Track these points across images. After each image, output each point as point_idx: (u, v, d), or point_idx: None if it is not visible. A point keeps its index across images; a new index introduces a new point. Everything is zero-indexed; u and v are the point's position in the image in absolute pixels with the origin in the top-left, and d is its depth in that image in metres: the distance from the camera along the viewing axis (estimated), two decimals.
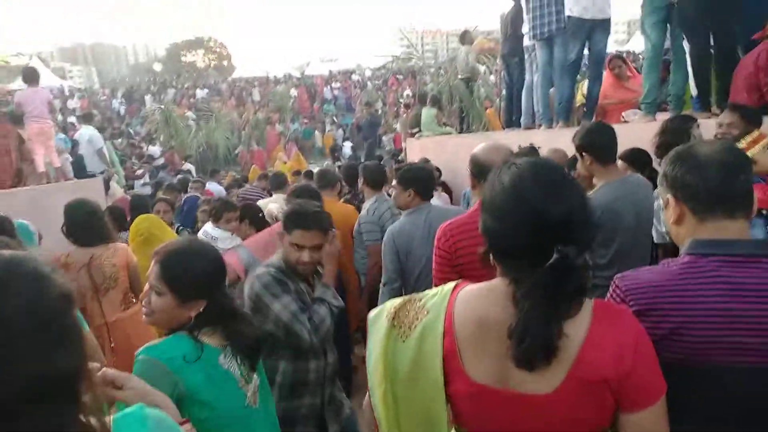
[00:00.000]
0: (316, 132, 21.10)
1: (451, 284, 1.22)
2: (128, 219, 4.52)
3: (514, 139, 5.14)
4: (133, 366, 1.64)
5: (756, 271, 1.17)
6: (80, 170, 8.27)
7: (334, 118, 22.59)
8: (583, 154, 2.58)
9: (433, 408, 1.17)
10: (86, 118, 9.86)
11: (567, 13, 4.94)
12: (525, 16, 5.95)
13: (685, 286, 1.20)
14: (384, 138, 14.49)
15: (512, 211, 1.07)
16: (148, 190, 9.80)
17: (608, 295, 1.30)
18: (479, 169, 2.15)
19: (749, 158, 1.34)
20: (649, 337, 1.09)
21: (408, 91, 14.81)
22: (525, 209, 1.05)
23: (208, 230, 3.96)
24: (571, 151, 2.91)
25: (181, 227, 5.02)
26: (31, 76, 6.64)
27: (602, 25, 4.95)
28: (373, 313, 1.29)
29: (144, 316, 1.64)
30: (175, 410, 1.27)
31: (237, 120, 19.95)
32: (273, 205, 4.53)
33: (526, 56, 5.96)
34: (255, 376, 1.69)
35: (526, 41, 5.85)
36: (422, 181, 3.02)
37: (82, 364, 0.89)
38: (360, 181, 4.21)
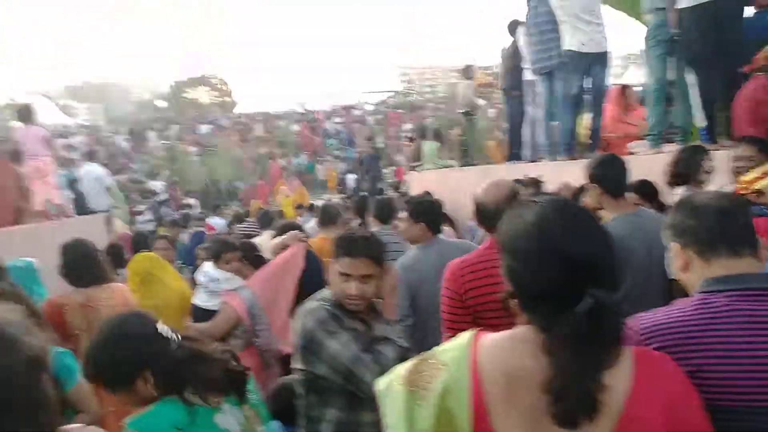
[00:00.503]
0: (318, 165, 21.24)
1: (467, 335, 1.11)
2: (129, 256, 4.47)
3: (517, 172, 5.11)
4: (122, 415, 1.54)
5: None
6: (81, 207, 8.27)
7: (336, 152, 22.77)
8: (593, 185, 2.52)
9: None
10: (90, 156, 9.93)
11: (566, 47, 4.97)
12: (523, 51, 6.03)
13: (703, 323, 1.16)
14: (386, 171, 14.55)
15: (537, 252, 1.01)
16: (151, 226, 9.77)
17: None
18: (484, 214, 2.11)
19: (747, 201, 1.37)
20: None
21: (409, 125, 14.95)
22: (551, 250, 1.00)
23: (209, 271, 3.88)
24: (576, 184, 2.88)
25: (182, 264, 4.95)
26: (25, 115, 6.71)
27: (601, 59, 4.99)
28: (382, 383, 1.18)
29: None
30: None
31: (239, 155, 20.09)
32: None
33: (527, 90, 5.99)
34: (258, 423, 1.57)
35: (527, 75, 5.89)
36: (433, 214, 2.96)
37: (40, 429, 0.82)
38: (369, 214, 4.22)
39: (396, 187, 12.19)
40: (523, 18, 6.08)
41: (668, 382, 1.02)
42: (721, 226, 1.24)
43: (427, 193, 6.19)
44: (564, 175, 4.53)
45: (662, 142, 4.54)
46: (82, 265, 3.07)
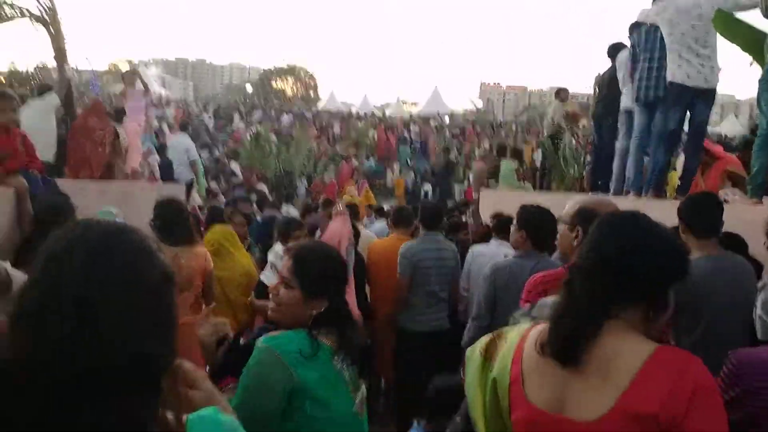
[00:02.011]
0: (389, 171, 21.36)
1: (530, 323, 1.38)
2: (203, 228, 4.68)
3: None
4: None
5: None
6: (166, 175, 8.71)
7: (408, 161, 22.82)
8: (681, 221, 2.49)
9: None
10: (183, 127, 10.42)
11: (669, 78, 4.74)
12: (619, 77, 5.80)
13: None
14: (456, 186, 14.44)
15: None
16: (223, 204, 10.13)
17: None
18: (590, 222, 2.02)
19: None
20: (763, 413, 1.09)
21: (486, 144, 14.79)
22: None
23: (277, 250, 4.03)
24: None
25: (253, 244, 5.11)
26: (130, 79, 7.18)
27: (705, 95, 4.72)
28: (469, 349, 1.45)
29: (270, 312, 1.71)
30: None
31: (315, 149, 20.51)
32: None
33: (622, 120, 5.77)
34: (363, 386, 1.69)
35: (624, 104, 5.67)
36: (537, 228, 2.88)
37: (172, 353, 0.85)
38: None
39: (464, 204, 12.07)
40: (624, 40, 5.90)
41: (681, 377, 1.08)
42: None
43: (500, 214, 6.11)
44: (649, 212, 4.34)
45: (763, 193, 4.26)
46: (174, 221, 3.24)
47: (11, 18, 6.38)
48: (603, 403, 1.11)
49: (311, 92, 57.15)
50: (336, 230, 3.45)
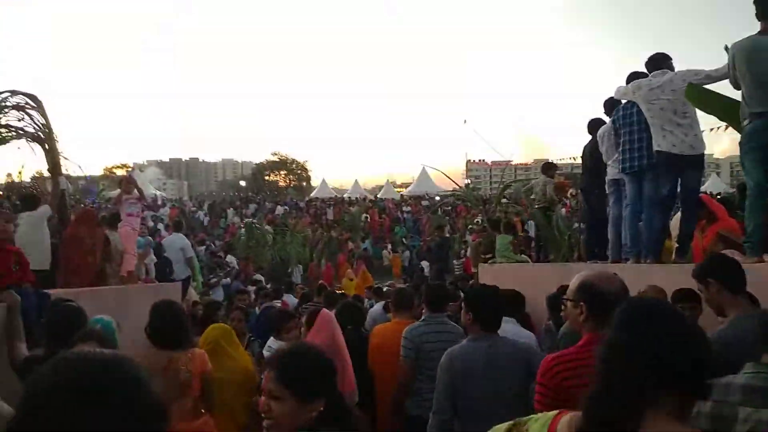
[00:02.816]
0: (385, 252, 21.43)
1: (555, 411, 1.31)
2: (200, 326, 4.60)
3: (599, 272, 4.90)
4: None
5: None
6: (162, 274, 8.67)
7: (403, 240, 22.96)
8: (710, 281, 2.49)
9: None
10: (176, 226, 10.51)
11: (656, 147, 4.86)
12: (602, 151, 5.97)
13: None
14: (455, 262, 14.41)
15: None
16: (221, 298, 10.04)
17: None
18: (595, 298, 1.99)
19: None
20: None
21: (479, 218, 14.95)
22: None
23: (271, 345, 3.98)
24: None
25: (252, 338, 4.99)
26: (126, 186, 7.40)
27: (694, 162, 4.81)
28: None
29: (265, 430, 1.59)
30: None
31: (310, 236, 20.68)
32: None
33: (612, 189, 5.87)
34: None
35: (611, 175, 5.80)
36: (482, 309, 2.85)
37: None
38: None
39: (463, 278, 12.00)
40: (599, 115, 6.13)
41: None
42: None
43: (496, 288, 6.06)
44: (651, 278, 4.31)
45: (762, 251, 4.25)
46: (170, 326, 3.17)
47: (8, 140, 6.62)
48: None
49: (303, 183, 58.38)
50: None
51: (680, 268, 4.55)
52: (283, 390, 1.55)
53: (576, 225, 8.96)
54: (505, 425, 1.37)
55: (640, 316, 1.26)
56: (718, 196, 16.87)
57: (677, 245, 5.08)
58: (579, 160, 7.05)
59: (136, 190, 7.57)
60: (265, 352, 3.87)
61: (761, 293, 2.90)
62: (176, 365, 3.10)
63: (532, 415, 1.37)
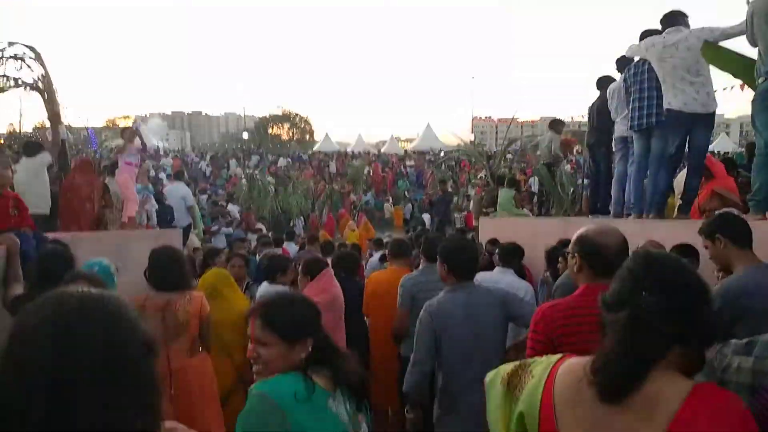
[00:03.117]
0: (386, 204, 21.47)
1: (558, 355, 1.37)
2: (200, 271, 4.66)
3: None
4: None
5: None
6: (163, 221, 8.72)
7: (406, 193, 22.96)
8: (718, 236, 2.52)
9: None
10: (177, 176, 10.50)
11: (666, 106, 4.76)
12: (611, 108, 5.86)
13: None
14: (456, 215, 14.45)
15: (623, 276, 1.32)
16: (223, 245, 10.13)
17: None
18: (589, 250, 1.98)
19: None
20: None
21: (482, 173, 14.86)
22: (629, 274, 1.30)
23: (264, 289, 4.04)
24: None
25: (251, 283, 5.03)
26: (128, 135, 7.38)
27: (704, 120, 4.69)
28: (488, 377, 1.47)
29: (256, 375, 1.63)
30: None
31: (312, 188, 20.69)
32: None
33: (619, 146, 5.80)
34: (364, 425, 1.64)
35: (619, 132, 5.71)
36: (456, 260, 2.85)
37: (156, 422, 0.80)
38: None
39: (463, 231, 12.05)
40: (610, 72, 6.00)
41: (718, 419, 1.09)
42: None
43: (495, 240, 6.08)
44: (652, 233, 4.29)
45: (766, 209, 4.21)
46: (168, 269, 3.18)
47: (6, 89, 6.59)
48: None
49: (307, 136, 57.93)
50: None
51: (682, 224, 4.53)
52: (270, 335, 1.57)
53: (580, 181, 8.91)
54: (510, 365, 1.43)
55: (658, 272, 1.26)
56: (726, 155, 16.70)
57: (680, 202, 5.04)
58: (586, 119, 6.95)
59: (138, 140, 7.51)
60: (258, 296, 3.93)
61: (762, 251, 2.88)
62: (174, 306, 3.13)
63: (536, 358, 1.42)
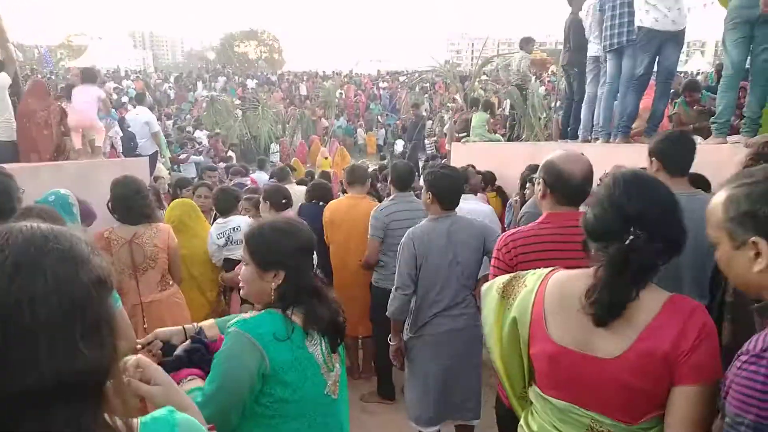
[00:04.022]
0: (359, 130, 21.13)
1: (550, 268, 1.52)
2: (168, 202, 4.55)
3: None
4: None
5: None
6: (128, 149, 8.43)
7: (379, 118, 22.58)
8: (653, 159, 2.49)
9: (523, 362, 1.51)
10: (139, 99, 10.03)
11: (637, 23, 4.69)
12: (585, 26, 5.73)
13: None
14: (426, 141, 14.31)
15: (602, 206, 1.39)
16: (192, 174, 9.92)
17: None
18: (555, 177, 1.99)
19: None
20: None
21: (457, 96, 14.61)
22: (611, 204, 1.37)
23: (217, 224, 4.01)
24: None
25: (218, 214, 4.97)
26: (88, 76, 6.77)
27: (674, 39, 4.67)
28: (485, 287, 1.64)
29: (240, 290, 1.69)
30: (201, 416, 1.19)
31: (282, 112, 20.13)
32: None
33: (591, 66, 5.72)
34: (337, 365, 1.67)
35: (592, 51, 5.61)
36: (442, 189, 2.88)
37: (112, 359, 0.79)
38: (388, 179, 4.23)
39: (434, 157, 12.02)
40: None
41: (689, 320, 1.26)
42: None
43: (472, 167, 6.10)
44: (618, 158, 4.34)
45: (729, 132, 4.28)
46: (133, 201, 3.11)
47: None
48: (623, 344, 1.29)
49: (275, 55, 55.60)
50: None
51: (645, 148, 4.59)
52: (248, 257, 1.62)
53: (554, 104, 8.87)
54: (506, 276, 1.60)
55: (639, 197, 1.34)
56: (697, 75, 16.67)
57: (647, 125, 5.09)
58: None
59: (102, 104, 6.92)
60: (213, 231, 3.91)
61: (720, 174, 2.93)
62: (141, 239, 3.10)
63: (529, 270, 1.57)
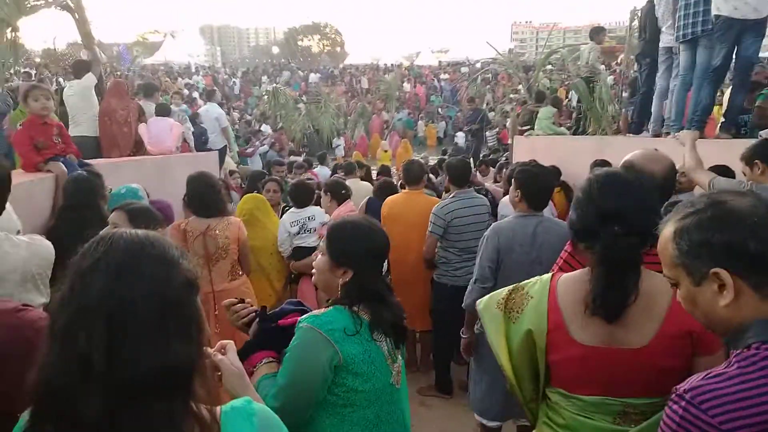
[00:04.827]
0: (419, 123, 21.07)
1: (548, 275, 1.56)
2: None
3: (636, 146, 4.73)
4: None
5: None
6: (199, 144, 8.83)
7: (439, 110, 22.42)
8: (757, 163, 2.60)
9: (536, 371, 1.53)
10: (209, 95, 10.47)
11: (714, 12, 4.43)
12: (658, 15, 5.47)
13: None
14: (488, 133, 14.09)
15: (582, 205, 1.47)
16: (258, 165, 10.24)
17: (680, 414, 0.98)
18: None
19: None
20: None
21: (520, 87, 14.26)
22: (591, 204, 1.45)
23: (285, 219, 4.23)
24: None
25: (287, 207, 5.16)
26: (162, 110, 7.05)
27: (754, 28, 4.36)
28: (480, 304, 1.65)
29: (312, 276, 1.78)
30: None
31: (344, 106, 20.36)
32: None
33: (663, 57, 5.46)
34: (399, 356, 1.74)
35: (664, 42, 5.36)
36: (532, 188, 2.86)
37: (199, 354, 0.88)
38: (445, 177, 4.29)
39: (497, 150, 11.83)
40: None
41: None
42: None
43: (534, 162, 5.98)
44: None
45: None
46: (207, 196, 3.31)
47: (35, 9, 6.48)
48: (650, 330, 1.36)
49: (338, 48, 56.24)
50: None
51: (725, 144, 4.34)
52: (325, 247, 1.71)
53: (623, 94, 8.51)
54: (503, 290, 1.61)
55: (613, 194, 1.44)
56: None
57: (723, 119, 4.82)
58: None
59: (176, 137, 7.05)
60: (285, 219, 4.11)
61: None
62: (213, 231, 3.29)
63: (524, 282, 1.59)
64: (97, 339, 0.77)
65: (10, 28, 6.27)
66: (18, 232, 2.00)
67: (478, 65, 28.14)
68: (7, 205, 1.92)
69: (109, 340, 0.78)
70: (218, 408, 0.93)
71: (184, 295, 0.87)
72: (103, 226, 2.15)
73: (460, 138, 15.98)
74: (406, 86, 24.72)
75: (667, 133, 5.26)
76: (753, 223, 0.98)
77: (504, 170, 6.41)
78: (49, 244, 2.06)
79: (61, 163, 3.82)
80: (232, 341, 1.38)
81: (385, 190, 4.95)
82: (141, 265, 0.83)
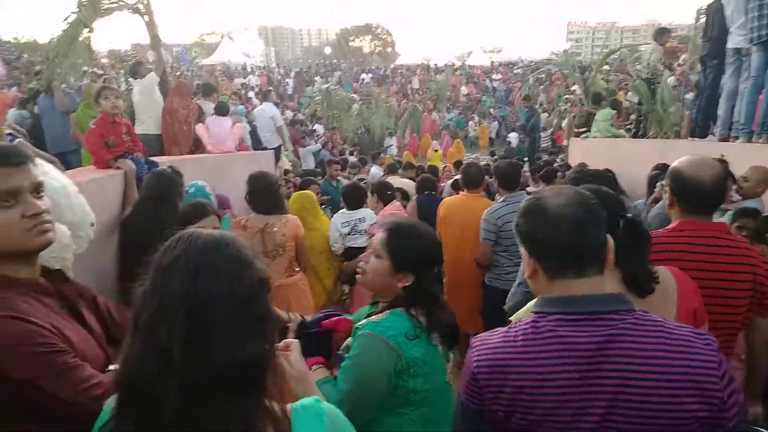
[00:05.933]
0: (470, 123, 20.90)
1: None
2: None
3: (701, 150, 4.55)
4: None
5: (592, 329, 1.11)
6: (255, 142, 9.07)
7: (491, 111, 22.17)
8: None
9: None
10: (265, 95, 10.72)
11: None
12: (727, 14, 5.22)
13: (525, 349, 1.15)
14: (542, 134, 13.84)
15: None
16: (311, 164, 10.42)
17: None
18: (681, 187, 1.89)
19: (600, 210, 1.19)
20: (494, 404, 1.16)
21: (576, 88, 13.90)
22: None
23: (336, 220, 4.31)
24: None
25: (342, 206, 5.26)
26: (221, 109, 7.12)
27: None
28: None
29: (358, 276, 1.79)
30: None
31: (395, 106, 20.44)
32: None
33: (732, 59, 5.22)
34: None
35: (732, 42, 5.11)
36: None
37: (272, 351, 0.90)
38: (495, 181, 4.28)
39: (552, 152, 11.61)
40: None
41: (688, 280, 1.62)
42: (572, 246, 1.15)
43: (583, 165, 5.82)
44: (759, 158, 3.95)
45: None
46: (266, 194, 3.42)
47: (110, 12, 6.82)
48: (671, 311, 1.55)
49: (389, 49, 56.47)
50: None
51: None
52: (385, 252, 1.69)
53: (685, 96, 8.18)
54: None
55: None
56: None
57: None
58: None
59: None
60: (336, 219, 4.23)
61: None
62: (272, 229, 3.39)
63: None
64: (177, 334, 0.81)
65: (87, 29, 6.62)
66: (92, 225, 2.10)
67: (532, 65, 27.65)
68: (82, 198, 2.03)
69: (188, 336, 0.81)
70: (289, 405, 0.95)
71: (258, 293, 0.89)
72: (176, 221, 2.25)
73: (514, 138, 15.73)
74: (463, 89, 24.54)
75: (736, 137, 5.02)
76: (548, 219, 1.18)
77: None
78: None
79: (130, 161, 4.01)
80: (296, 340, 1.41)
81: (424, 185, 5.19)
82: (217, 264, 0.87)
